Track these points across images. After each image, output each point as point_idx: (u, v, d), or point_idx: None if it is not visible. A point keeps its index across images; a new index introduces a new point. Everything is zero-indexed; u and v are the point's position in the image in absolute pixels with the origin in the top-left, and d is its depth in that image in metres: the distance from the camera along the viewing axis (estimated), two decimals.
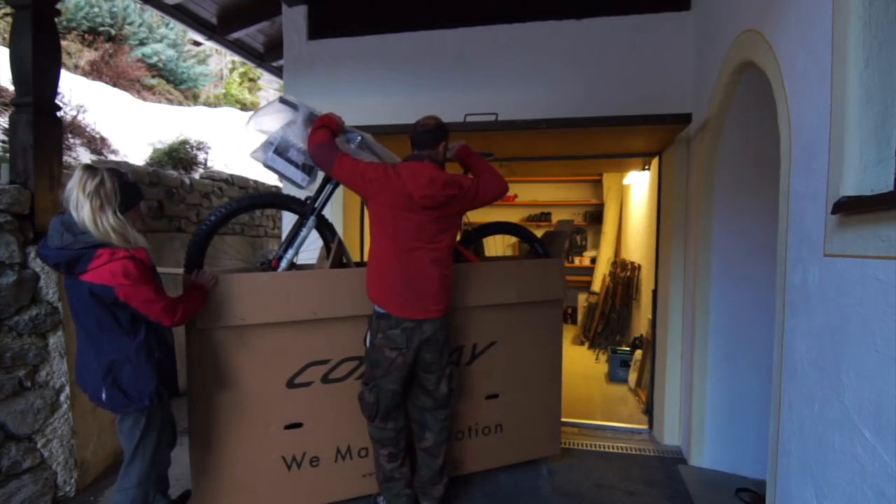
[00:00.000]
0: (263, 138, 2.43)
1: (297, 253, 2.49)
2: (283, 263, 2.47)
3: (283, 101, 2.43)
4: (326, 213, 2.68)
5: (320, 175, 2.56)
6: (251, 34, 4.97)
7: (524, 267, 2.94)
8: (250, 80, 13.83)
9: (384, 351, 2.33)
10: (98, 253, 1.86)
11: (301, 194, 2.60)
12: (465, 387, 2.81)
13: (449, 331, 2.49)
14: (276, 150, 2.40)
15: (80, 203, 1.85)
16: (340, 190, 3.85)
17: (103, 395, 1.97)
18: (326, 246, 2.65)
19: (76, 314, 1.97)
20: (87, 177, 1.87)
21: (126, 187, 1.96)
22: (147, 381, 2.00)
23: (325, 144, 2.28)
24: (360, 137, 2.49)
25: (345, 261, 2.65)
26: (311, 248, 2.62)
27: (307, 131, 2.37)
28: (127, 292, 1.88)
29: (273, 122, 2.42)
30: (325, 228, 2.63)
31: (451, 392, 2.52)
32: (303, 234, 2.50)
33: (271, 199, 2.60)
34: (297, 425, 2.49)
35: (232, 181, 5.66)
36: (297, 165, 2.43)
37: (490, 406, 2.90)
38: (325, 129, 2.32)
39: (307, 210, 2.53)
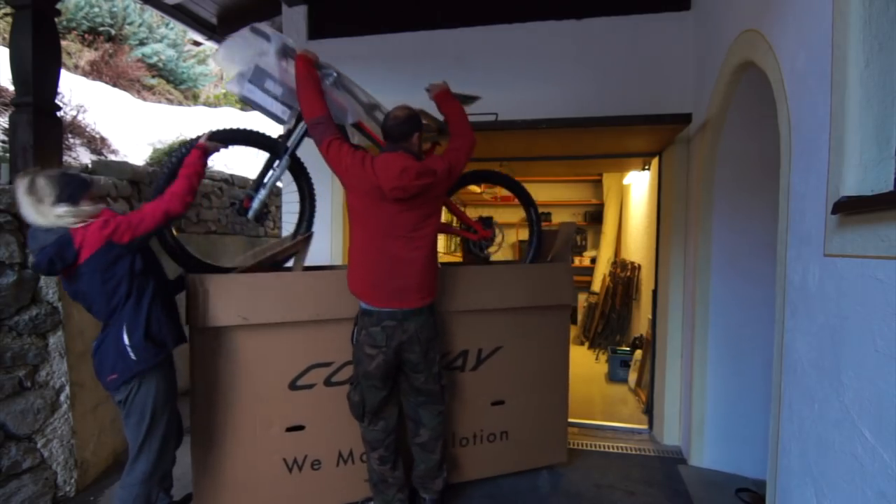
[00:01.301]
0: (237, 71, 2.32)
1: (268, 193, 2.41)
2: (255, 203, 2.39)
3: (254, 29, 2.31)
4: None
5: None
6: None
7: (532, 271, 2.90)
8: None
9: (365, 348, 2.29)
10: (72, 233, 1.91)
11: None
12: (470, 392, 2.78)
13: (436, 328, 2.40)
14: (252, 80, 2.28)
15: (23, 206, 1.92)
16: (339, 198, 3.85)
17: (132, 356, 1.98)
18: (300, 195, 2.59)
19: (94, 304, 2.02)
20: (20, 183, 1.94)
21: (66, 179, 1.98)
22: (172, 326, 2.12)
23: (318, 121, 2.21)
24: (334, 75, 2.39)
25: (293, 260, 2.58)
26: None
27: (282, 64, 2.29)
28: (122, 226, 1.95)
29: (244, 53, 2.29)
30: (301, 173, 2.55)
31: (442, 390, 2.47)
32: (274, 174, 2.41)
33: (237, 135, 2.39)
34: (299, 428, 2.48)
35: (232, 181, 5.66)
36: (275, 98, 2.32)
37: (496, 412, 2.86)
38: (311, 85, 2.23)
39: (279, 148, 2.43)
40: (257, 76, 2.28)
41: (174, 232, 2.36)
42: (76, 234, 1.92)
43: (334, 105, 2.36)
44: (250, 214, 2.40)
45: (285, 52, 2.32)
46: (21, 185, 1.92)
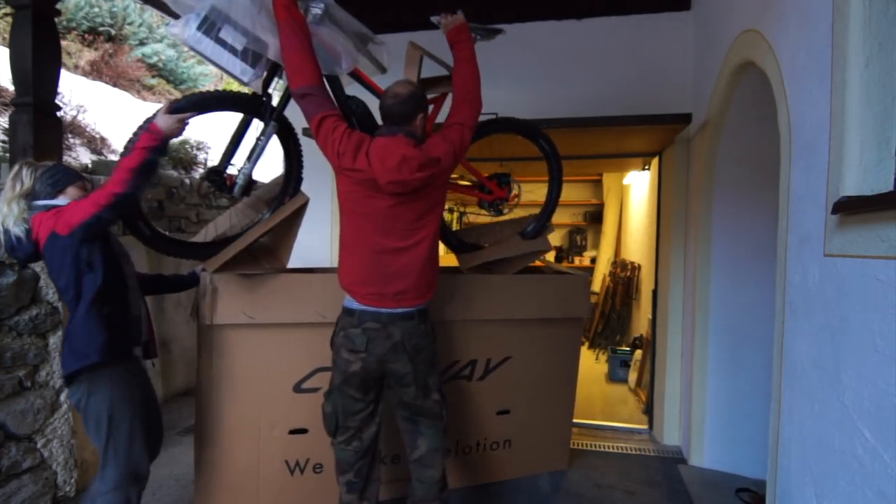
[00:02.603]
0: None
1: (254, 166, 2.04)
2: (240, 179, 2.04)
3: None
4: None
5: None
6: None
7: (547, 282, 2.83)
8: None
9: (342, 352, 1.97)
10: (32, 221, 1.86)
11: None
12: (476, 402, 2.74)
13: (428, 337, 2.06)
14: (203, 25, 1.74)
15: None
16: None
17: (63, 360, 1.88)
18: (286, 157, 2.22)
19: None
20: (13, 169, 1.93)
21: (51, 171, 1.95)
22: (96, 334, 1.85)
23: (308, 91, 1.82)
24: (321, 5, 1.93)
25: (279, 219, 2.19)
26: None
27: (257, 10, 1.82)
28: (63, 216, 1.82)
29: None
30: (290, 137, 2.18)
31: (439, 406, 2.10)
32: (261, 142, 2.03)
33: (205, 100, 1.94)
34: (303, 431, 2.47)
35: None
36: (234, 52, 1.82)
37: (500, 421, 2.83)
38: (297, 39, 1.80)
39: (264, 111, 2.02)
40: (213, 19, 1.77)
41: (148, 223, 2.07)
42: (34, 222, 1.85)
43: (323, 51, 1.96)
44: (236, 191, 2.05)
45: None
46: (9, 176, 1.91)
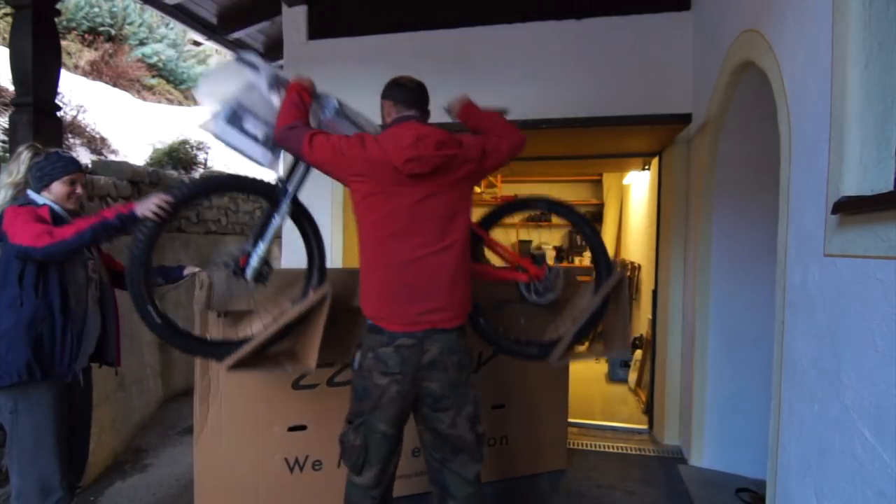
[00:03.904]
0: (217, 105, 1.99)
1: (268, 247, 2.04)
2: (254, 260, 2.00)
3: (240, 60, 2.00)
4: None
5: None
6: (251, 34, 4.97)
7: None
8: None
9: (373, 376, 1.76)
10: (5, 211, 1.86)
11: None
12: None
13: (468, 353, 1.89)
14: (229, 118, 1.92)
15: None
16: (339, 198, 3.84)
17: None
18: (306, 241, 2.20)
19: None
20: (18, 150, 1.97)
21: (44, 162, 1.94)
22: (19, 352, 1.80)
23: (293, 125, 1.82)
24: (336, 103, 2.06)
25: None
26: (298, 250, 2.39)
27: (273, 97, 1.95)
28: (8, 231, 1.79)
29: (229, 85, 1.96)
30: (304, 218, 2.16)
31: (478, 440, 1.86)
32: (274, 223, 2.03)
33: (229, 183, 2.09)
34: (302, 427, 2.48)
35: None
36: (256, 139, 1.97)
37: (495, 416, 2.83)
38: (295, 108, 1.87)
39: (278, 194, 2.05)
40: (238, 113, 1.94)
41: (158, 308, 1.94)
42: (6, 213, 1.83)
43: None
44: (249, 274, 2.00)
45: (276, 84, 2.00)
46: (14, 155, 1.94)
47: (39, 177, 1.92)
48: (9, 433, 1.88)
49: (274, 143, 1.98)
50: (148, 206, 1.81)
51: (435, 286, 1.77)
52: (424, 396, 1.80)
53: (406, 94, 1.89)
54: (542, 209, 2.34)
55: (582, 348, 2.48)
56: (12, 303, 1.82)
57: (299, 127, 1.82)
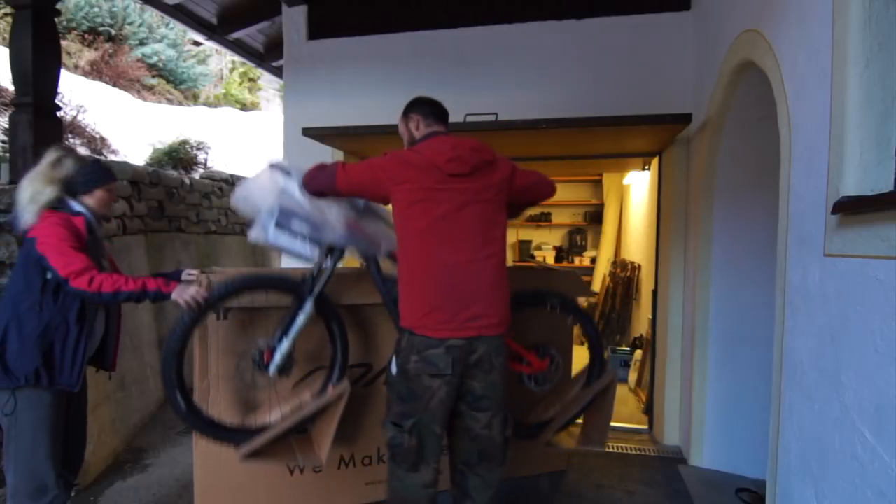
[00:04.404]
0: (257, 213, 2.08)
1: (293, 343, 2.13)
2: (277, 357, 2.11)
3: (272, 167, 2.11)
4: None
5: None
6: (251, 34, 4.98)
7: (538, 273, 2.83)
8: (250, 80, 13.84)
9: (422, 380, 1.79)
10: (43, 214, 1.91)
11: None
12: None
13: (507, 357, 1.95)
14: (279, 223, 2.02)
15: (33, 173, 1.96)
16: None
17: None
18: (331, 339, 2.25)
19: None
20: (48, 154, 2.00)
21: (87, 169, 2.02)
22: (30, 358, 1.85)
23: (321, 167, 1.95)
24: (361, 203, 2.15)
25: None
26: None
27: (306, 196, 2.03)
28: (44, 243, 1.84)
29: (265, 192, 2.06)
30: (332, 317, 2.23)
31: (506, 442, 1.95)
32: (299, 321, 2.12)
33: (261, 281, 2.18)
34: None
35: (232, 181, 5.66)
36: (304, 237, 2.06)
37: None
38: (315, 168, 2.00)
39: (304, 291, 2.13)
40: (283, 217, 2.02)
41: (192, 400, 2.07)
42: (45, 218, 1.89)
43: (364, 240, 2.11)
44: (272, 370, 2.10)
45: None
46: (48, 157, 1.96)
47: (85, 181, 1.99)
48: (6, 432, 1.90)
49: (318, 235, 2.05)
50: (184, 295, 1.92)
51: (481, 292, 1.82)
52: (465, 394, 1.85)
53: (435, 109, 2.02)
54: (554, 305, 2.46)
55: (566, 437, 2.58)
56: (33, 307, 1.87)
57: (329, 166, 1.94)
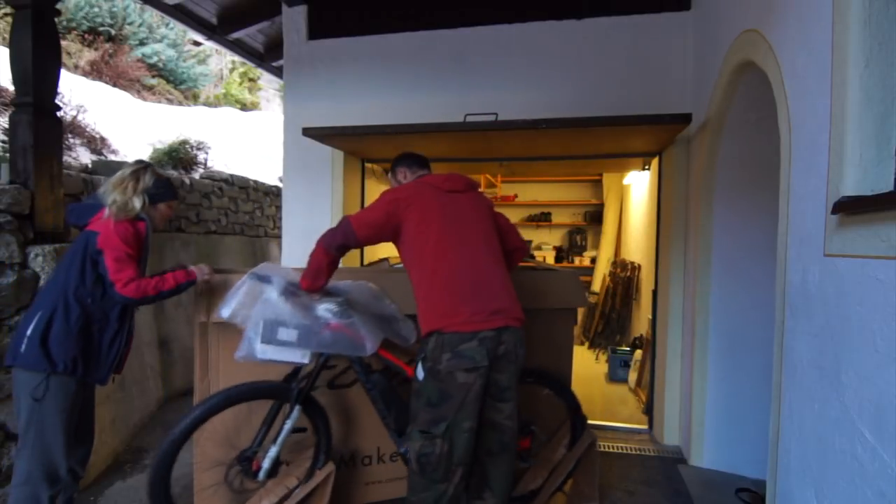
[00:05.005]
0: (244, 328, 2.05)
1: (281, 448, 2.13)
2: (266, 464, 2.11)
3: (253, 276, 2.09)
4: None
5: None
6: (251, 34, 4.98)
7: (537, 276, 2.83)
8: (250, 80, 13.85)
9: (456, 376, 1.78)
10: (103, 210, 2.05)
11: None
12: None
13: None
14: (264, 338, 2.01)
15: (113, 182, 2.08)
16: (339, 198, 3.85)
17: (22, 346, 1.92)
18: (316, 433, 2.28)
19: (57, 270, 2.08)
20: (129, 166, 2.16)
21: (162, 182, 2.19)
22: (71, 346, 1.94)
23: (331, 232, 2.00)
24: (340, 300, 2.13)
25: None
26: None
27: (289, 303, 2.02)
28: (106, 241, 1.97)
29: (246, 304, 2.03)
30: (317, 415, 2.24)
31: (520, 431, 2.05)
32: (287, 428, 2.12)
33: (245, 395, 2.15)
34: (302, 430, 2.47)
35: (232, 181, 5.67)
36: (292, 345, 2.05)
37: None
38: (312, 260, 2.04)
39: (291, 395, 2.14)
40: (268, 331, 2.01)
41: None
42: (122, 226, 2.01)
43: (347, 340, 2.08)
44: (261, 476, 2.11)
45: (291, 291, 2.08)
46: (129, 168, 2.11)
47: (156, 194, 2.13)
48: (27, 416, 1.94)
49: (305, 341, 2.05)
50: (202, 274, 2.16)
51: (499, 288, 1.92)
52: (490, 385, 1.88)
53: (419, 160, 2.26)
54: (531, 382, 2.54)
55: (560, 497, 2.62)
56: (82, 298, 1.98)
57: (339, 222, 2.01)
